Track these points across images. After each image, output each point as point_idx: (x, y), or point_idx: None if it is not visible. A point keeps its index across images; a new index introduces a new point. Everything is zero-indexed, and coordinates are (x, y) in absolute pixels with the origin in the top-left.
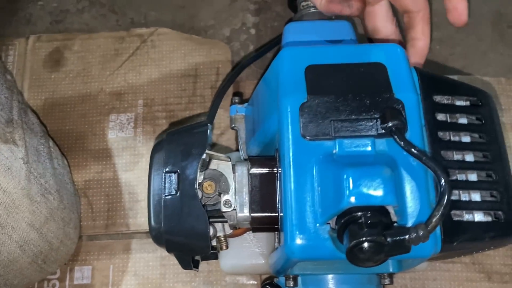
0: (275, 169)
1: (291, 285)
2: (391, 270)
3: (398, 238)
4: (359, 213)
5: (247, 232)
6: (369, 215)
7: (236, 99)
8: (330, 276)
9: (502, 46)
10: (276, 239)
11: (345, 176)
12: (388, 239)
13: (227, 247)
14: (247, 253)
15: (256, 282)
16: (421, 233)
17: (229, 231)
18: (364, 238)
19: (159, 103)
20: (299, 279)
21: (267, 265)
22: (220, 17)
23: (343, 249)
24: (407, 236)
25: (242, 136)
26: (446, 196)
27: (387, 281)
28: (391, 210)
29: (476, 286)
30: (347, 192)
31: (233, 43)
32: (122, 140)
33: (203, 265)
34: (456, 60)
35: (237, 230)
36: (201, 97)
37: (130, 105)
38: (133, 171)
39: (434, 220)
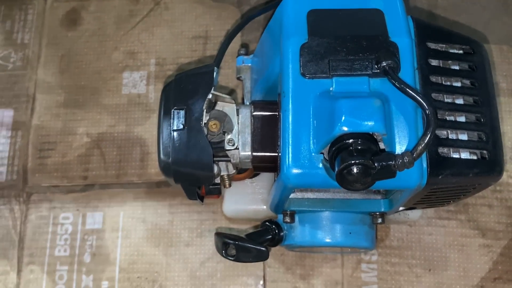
0: (277, 112)
1: (288, 221)
2: (382, 209)
3: (384, 163)
4: (350, 141)
5: (250, 179)
6: (359, 142)
7: (243, 50)
8: (324, 214)
9: (506, 15)
10: (274, 178)
11: (338, 106)
12: (376, 164)
13: (230, 186)
14: (249, 199)
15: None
16: (406, 159)
17: (232, 171)
18: (353, 161)
19: (171, 63)
20: (296, 216)
21: (268, 212)
22: None
23: (334, 175)
24: (393, 162)
25: (247, 85)
26: (431, 127)
27: (379, 220)
28: (380, 138)
29: (471, 242)
30: (339, 120)
31: (243, 6)
32: (135, 96)
33: (208, 213)
34: (460, 27)
35: (240, 174)
36: (211, 58)
37: (143, 64)
38: (145, 125)
39: (419, 148)
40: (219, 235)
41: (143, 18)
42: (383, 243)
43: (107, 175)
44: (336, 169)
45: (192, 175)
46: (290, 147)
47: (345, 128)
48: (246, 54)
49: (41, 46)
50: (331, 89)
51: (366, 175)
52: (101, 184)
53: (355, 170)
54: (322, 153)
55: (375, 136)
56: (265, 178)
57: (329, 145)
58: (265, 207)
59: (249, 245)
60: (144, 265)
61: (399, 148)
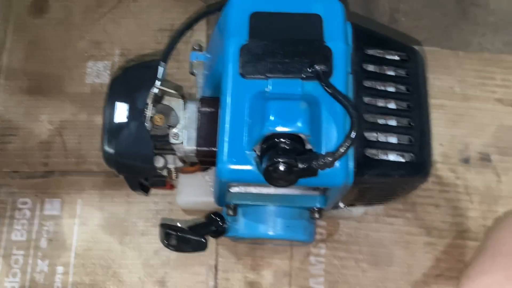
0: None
1: (231, 214)
2: (318, 205)
3: (307, 162)
4: (278, 140)
5: (203, 172)
6: (285, 141)
7: (197, 45)
8: (265, 208)
9: (464, 22)
10: None
11: (267, 107)
12: (299, 163)
13: (176, 177)
14: (201, 191)
15: None
16: (328, 160)
17: (179, 164)
18: (278, 159)
19: (135, 54)
20: (239, 209)
21: None
22: None
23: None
24: (315, 161)
25: (199, 80)
26: (354, 129)
27: (316, 215)
28: (306, 140)
29: (416, 240)
30: (267, 121)
31: (209, 1)
32: (98, 86)
33: (164, 204)
34: (420, 32)
35: (191, 167)
36: (175, 51)
37: (108, 54)
38: None
39: (340, 149)
40: (163, 226)
41: (111, 9)
42: (331, 237)
43: (67, 162)
44: (263, 164)
45: (133, 166)
46: (225, 143)
47: (272, 128)
48: (200, 50)
49: (7, 32)
50: (266, 90)
51: (289, 173)
52: (61, 171)
53: (280, 168)
54: (255, 151)
55: (302, 137)
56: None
57: (260, 143)
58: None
59: (189, 236)
60: (100, 252)
61: (325, 149)
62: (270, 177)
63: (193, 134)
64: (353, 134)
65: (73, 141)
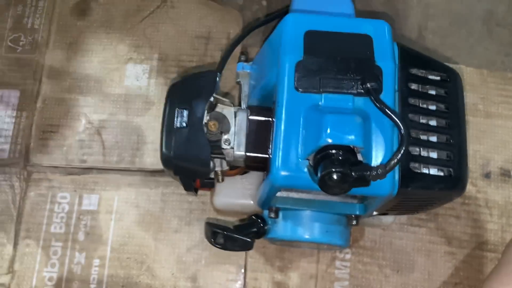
0: (270, 118)
1: (273, 216)
2: (357, 212)
3: (360, 173)
4: (332, 151)
5: (240, 176)
6: (340, 152)
7: (243, 57)
8: (305, 212)
9: (489, 41)
10: (264, 177)
11: (324, 120)
12: (353, 173)
13: (223, 180)
14: (238, 194)
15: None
16: (380, 171)
17: (225, 167)
18: (333, 169)
19: (172, 59)
20: (280, 212)
21: (255, 206)
22: None
23: (316, 180)
24: (368, 172)
25: (245, 90)
26: (403, 145)
27: (354, 222)
28: (358, 152)
29: (437, 248)
30: (324, 133)
31: (245, 11)
32: (137, 88)
33: (197, 203)
34: (446, 49)
35: (232, 170)
36: (211, 58)
37: (146, 58)
38: (144, 116)
39: (391, 162)
40: (209, 224)
41: (150, 14)
42: (357, 243)
43: (105, 160)
44: (319, 174)
45: (190, 169)
46: (280, 151)
47: (329, 140)
48: (246, 61)
49: (50, 32)
50: (320, 103)
51: (344, 182)
52: (99, 168)
53: (334, 176)
54: (308, 159)
55: (354, 149)
56: (254, 175)
57: (314, 153)
58: (252, 202)
59: (236, 236)
60: (134, 247)
61: (375, 161)
62: (325, 185)
63: (243, 140)
64: (403, 149)
65: (111, 140)
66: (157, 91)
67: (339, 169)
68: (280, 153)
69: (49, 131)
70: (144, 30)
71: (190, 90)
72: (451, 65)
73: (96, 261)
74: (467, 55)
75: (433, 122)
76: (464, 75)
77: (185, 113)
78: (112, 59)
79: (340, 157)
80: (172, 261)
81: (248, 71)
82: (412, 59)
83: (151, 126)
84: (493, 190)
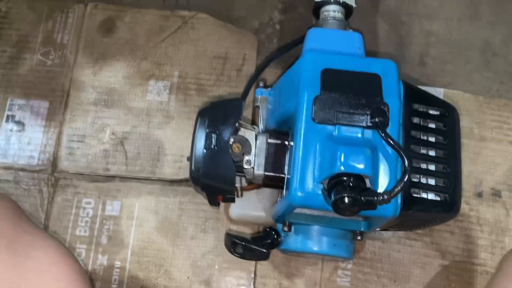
0: (287, 142)
1: (286, 230)
2: (362, 229)
3: (369, 198)
4: (345, 178)
5: (255, 190)
6: (351, 179)
7: (261, 83)
8: (315, 227)
9: (486, 70)
10: (279, 194)
11: (339, 151)
12: (362, 198)
13: (242, 196)
14: (252, 206)
15: (253, 232)
16: (385, 197)
17: (244, 184)
18: (345, 194)
19: (192, 77)
20: (292, 226)
21: (267, 218)
22: (252, 10)
23: (329, 202)
24: (375, 198)
25: (263, 114)
26: (407, 175)
27: (358, 238)
28: (367, 179)
29: (431, 261)
30: (339, 162)
31: (260, 34)
32: (158, 103)
33: (212, 212)
34: (445, 75)
35: (250, 186)
36: (227, 77)
37: (168, 75)
38: (164, 129)
39: (396, 190)
40: (229, 235)
41: (171, 33)
42: (358, 254)
43: (127, 169)
44: (332, 198)
45: (216, 186)
46: (298, 175)
47: (342, 168)
48: (264, 87)
49: (78, 48)
50: (334, 133)
51: (354, 206)
52: (121, 177)
53: (346, 201)
54: (322, 183)
55: (364, 177)
56: (267, 190)
57: (329, 178)
58: (264, 214)
59: (254, 247)
60: (153, 251)
61: (381, 187)
62: (337, 207)
63: (262, 161)
64: (405, 178)
65: (133, 151)
66: (177, 106)
67: (350, 195)
68: (298, 176)
69: (76, 141)
70: (166, 48)
71: (218, 116)
72: (450, 91)
73: (118, 263)
74: (464, 81)
75: (432, 153)
76: (461, 100)
77: (214, 136)
78: (135, 75)
79: (351, 184)
80: (188, 265)
81: (266, 96)
82: (414, 95)
83: (170, 139)
84: (484, 208)
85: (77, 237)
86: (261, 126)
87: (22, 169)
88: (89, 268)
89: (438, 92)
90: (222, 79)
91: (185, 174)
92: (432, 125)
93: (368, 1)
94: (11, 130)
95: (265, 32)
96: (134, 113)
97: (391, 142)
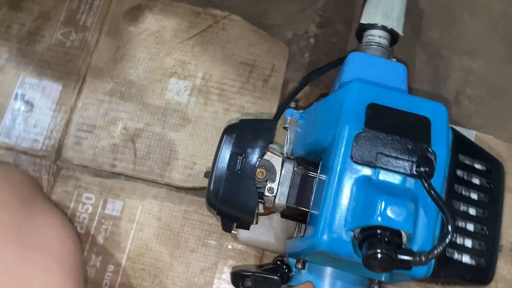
0: (315, 174)
1: (300, 267)
2: (383, 279)
3: (405, 257)
4: (380, 231)
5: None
6: (387, 234)
7: (293, 104)
8: (330, 269)
9: None
10: (297, 229)
11: (379, 200)
12: (398, 256)
13: (257, 223)
14: (262, 232)
15: (258, 254)
16: (423, 258)
17: (261, 210)
18: (380, 250)
19: (215, 80)
20: (307, 264)
21: (276, 246)
22: (287, 20)
23: (359, 254)
24: (412, 258)
25: (290, 136)
26: (448, 238)
27: (376, 287)
28: (404, 234)
29: None
30: (378, 213)
31: (292, 46)
32: (176, 103)
33: (217, 227)
34: (479, 118)
35: (265, 211)
36: (252, 86)
37: (190, 75)
38: (179, 132)
39: (435, 252)
40: (235, 272)
41: (200, 32)
42: None
43: (134, 169)
44: (364, 251)
45: (234, 215)
46: (328, 217)
47: (380, 220)
48: (296, 108)
49: (101, 32)
50: (373, 177)
51: (387, 263)
52: (127, 175)
53: (379, 256)
54: (353, 231)
55: (402, 233)
56: (278, 217)
57: (362, 228)
58: (274, 241)
59: (266, 275)
60: (150, 260)
61: (417, 244)
62: (368, 262)
63: (286, 191)
64: (447, 240)
65: (143, 150)
66: (196, 110)
67: (385, 251)
68: (328, 218)
69: (85, 130)
70: (193, 47)
71: (246, 136)
72: (482, 134)
73: (111, 267)
74: (499, 127)
75: (472, 211)
76: (492, 146)
77: (240, 158)
78: (157, 70)
79: (386, 239)
80: (184, 279)
81: (297, 119)
82: (462, 145)
83: (184, 143)
84: (502, 263)
85: None
86: (286, 149)
87: (25, 152)
88: None
89: (470, 134)
90: (247, 88)
91: (194, 182)
92: (476, 181)
93: (409, 29)
94: (18, 109)
95: (298, 45)
96: (150, 110)
97: (436, 197)
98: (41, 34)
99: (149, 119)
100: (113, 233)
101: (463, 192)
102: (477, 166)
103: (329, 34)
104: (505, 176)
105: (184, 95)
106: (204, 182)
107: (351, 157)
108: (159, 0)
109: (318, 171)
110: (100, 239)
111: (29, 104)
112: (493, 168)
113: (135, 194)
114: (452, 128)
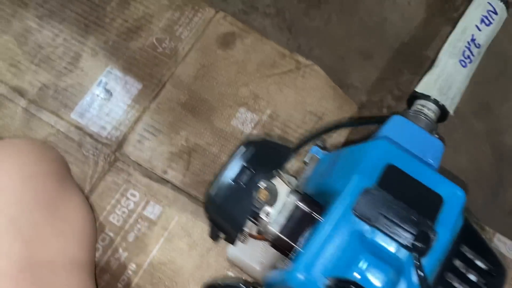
0: (317, 215)
1: None
2: None
3: None
4: (353, 287)
5: (262, 241)
6: None
7: (320, 143)
8: None
9: None
10: (280, 260)
11: (364, 258)
12: None
13: (246, 243)
14: (250, 255)
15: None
16: None
17: (253, 231)
18: None
19: (281, 121)
20: None
21: (259, 273)
22: (366, 84)
23: None
24: None
25: (307, 172)
26: None
27: None
28: None
29: None
30: (358, 269)
31: (363, 110)
32: (239, 132)
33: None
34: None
35: (259, 235)
36: None
37: (259, 110)
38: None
39: None
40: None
41: (280, 73)
42: None
43: (182, 180)
44: None
45: (222, 224)
46: (310, 257)
47: (358, 277)
48: (322, 147)
49: (192, 47)
50: (367, 235)
51: None
52: (174, 185)
53: None
54: (328, 279)
55: None
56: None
57: (338, 278)
58: (258, 268)
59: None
60: (170, 272)
61: None
62: None
63: (282, 221)
64: None
65: (196, 166)
66: None
67: None
68: (309, 259)
69: (150, 132)
70: (269, 85)
71: (262, 155)
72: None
73: (133, 266)
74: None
75: None
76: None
77: (249, 173)
78: (231, 96)
79: None
80: None
81: (319, 158)
82: (469, 237)
83: None
84: None
85: (108, 223)
86: (298, 182)
87: (90, 135)
88: (106, 257)
89: (502, 241)
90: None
91: None
92: (473, 278)
93: (484, 128)
94: (98, 95)
95: (370, 110)
96: (213, 131)
97: (422, 276)
98: (139, 34)
99: (210, 138)
100: (145, 234)
101: (455, 284)
102: (478, 262)
103: (403, 108)
104: (505, 286)
105: (248, 126)
106: None
107: (352, 208)
108: (253, 33)
109: (320, 215)
110: (131, 236)
111: (109, 93)
112: (495, 271)
113: (176, 204)
114: (466, 218)
